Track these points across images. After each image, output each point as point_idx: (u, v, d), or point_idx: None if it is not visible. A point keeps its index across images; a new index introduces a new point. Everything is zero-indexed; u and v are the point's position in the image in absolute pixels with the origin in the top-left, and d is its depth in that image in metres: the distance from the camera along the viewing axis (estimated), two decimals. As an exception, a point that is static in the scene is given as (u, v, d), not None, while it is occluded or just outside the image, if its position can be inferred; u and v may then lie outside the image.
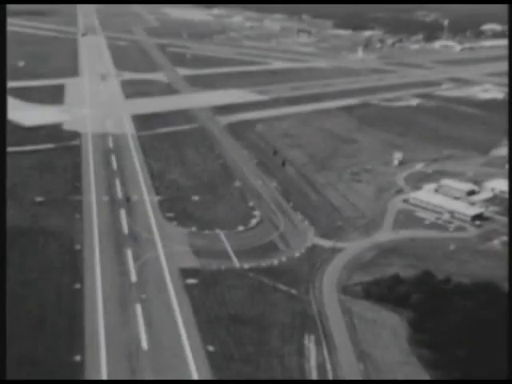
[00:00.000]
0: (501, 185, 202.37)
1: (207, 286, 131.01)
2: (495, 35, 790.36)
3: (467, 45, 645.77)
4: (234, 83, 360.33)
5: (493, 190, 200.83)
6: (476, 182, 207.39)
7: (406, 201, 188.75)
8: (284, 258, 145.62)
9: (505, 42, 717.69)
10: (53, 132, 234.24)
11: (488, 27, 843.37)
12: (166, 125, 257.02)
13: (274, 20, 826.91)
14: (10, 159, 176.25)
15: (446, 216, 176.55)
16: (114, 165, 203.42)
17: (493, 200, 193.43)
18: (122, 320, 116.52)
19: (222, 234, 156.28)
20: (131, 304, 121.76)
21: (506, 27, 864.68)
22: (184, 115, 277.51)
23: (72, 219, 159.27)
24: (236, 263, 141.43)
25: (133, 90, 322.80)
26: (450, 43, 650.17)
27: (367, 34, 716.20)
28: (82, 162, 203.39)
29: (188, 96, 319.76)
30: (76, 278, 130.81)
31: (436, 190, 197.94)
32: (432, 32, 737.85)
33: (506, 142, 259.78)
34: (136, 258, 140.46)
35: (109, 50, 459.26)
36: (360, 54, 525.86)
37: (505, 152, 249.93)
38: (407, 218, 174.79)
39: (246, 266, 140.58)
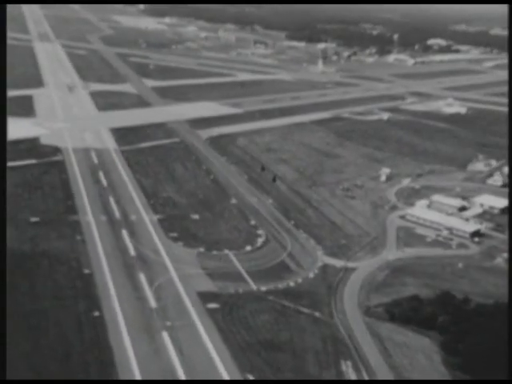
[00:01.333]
0: (489, 200, 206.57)
1: (230, 310, 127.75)
2: (441, 50, 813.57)
3: (419, 59, 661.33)
4: (205, 95, 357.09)
5: (482, 205, 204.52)
6: (464, 198, 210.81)
7: (402, 217, 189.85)
8: (299, 279, 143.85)
9: (452, 56, 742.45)
10: (31, 147, 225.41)
11: (433, 42, 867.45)
12: (146, 139, 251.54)
13: (226, 30, 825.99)
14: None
15: (445, 233, 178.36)
16: (104, 182, 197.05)
17: (483, 216, 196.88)
18: (151, 349, 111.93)
19: (231, 255, 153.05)
20: (157, 332, 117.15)
21: (450, 42, 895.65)
22: (162, 129, 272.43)
23: (74, 241, 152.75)
24: (253, 286, 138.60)
25: (104, 102, 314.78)
26: (402, 57, 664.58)
27: (321, 46, 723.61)
28: (69, 179, 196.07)
29: (161, 109, 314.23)
30: (93, 304, 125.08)
31: (428, 206, 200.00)
32: (383, 45, 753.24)
33: (481, 156, 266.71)
34: (150, 282, 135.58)
35: (69, 59, 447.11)
36: (320, 66, 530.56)
37: (481, 167, 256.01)
38: (408, 236, 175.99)
39: (263, 288, 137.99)
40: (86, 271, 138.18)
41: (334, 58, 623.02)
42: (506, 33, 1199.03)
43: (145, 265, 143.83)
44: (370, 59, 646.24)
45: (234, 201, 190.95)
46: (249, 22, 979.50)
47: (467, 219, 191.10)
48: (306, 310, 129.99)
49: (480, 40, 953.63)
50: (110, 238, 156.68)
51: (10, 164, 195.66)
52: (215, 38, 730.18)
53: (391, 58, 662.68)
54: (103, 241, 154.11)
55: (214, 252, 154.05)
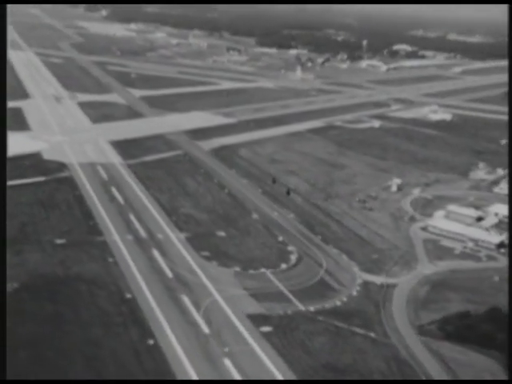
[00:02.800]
0: (502, 210, 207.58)
1: (284, 333, 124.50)
2: (407, 55, 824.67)
3: (392, 65, 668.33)
4: (194, 105, 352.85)
5: (496, 215, 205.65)
6: (477, 207, 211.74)
7: (424, 229, 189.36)
8: (344, 298, 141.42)
9: (420, 62, 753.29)
10: (35, 162, 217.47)
11: (399, 47, 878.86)
12: (149, 152, 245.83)
13: (196, 37, 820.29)
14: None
15: (470, 244, 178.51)
16: (119, 198, 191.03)
17: (500, 225, 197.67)
18: (217, 377, 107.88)
19: (268, 274, 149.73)
20: (218, 359, 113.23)
21: (415, 48, 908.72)
22: (162, 141, 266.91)
23: (106, 263, 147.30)
24: (300, 306, 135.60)
25: (96, 113, 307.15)
26: (375, 63, 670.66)
27: (293, 52, 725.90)
28: (83, 197, 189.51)
29: (155, 119, 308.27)
30: (145, 332, 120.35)
31: (446, 217, 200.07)
32: (352, 51, 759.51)
33: (481, 164, 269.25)
34: (196, 305, 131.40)
35: (46, 69, 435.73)
36: (299, 73, 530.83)
37: (483, 175, 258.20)
38: (436, 248, 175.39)
39: (311, 308, 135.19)
40: (128, 296, 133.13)
41: (309, 64, 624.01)
42: (461, 38, 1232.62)
43: (185, 287, 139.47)
44: (344, 65, 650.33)
45: (255, 216, 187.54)
46: (215, 27, 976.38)
47: (487, 229, 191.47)
48: (360, 331, 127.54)
49: (440, 45, 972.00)
50: (142, 258, 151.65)
51: (19, 182, 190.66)
52: (187, 44, 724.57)
53: (364, 63, 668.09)
54: (136, 262, 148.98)
55: (251, 271, 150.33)
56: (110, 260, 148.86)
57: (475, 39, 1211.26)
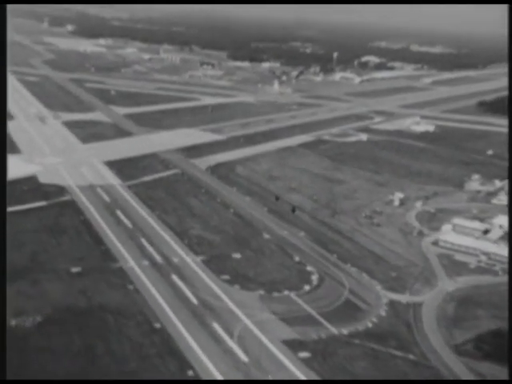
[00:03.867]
0: (506, 221, 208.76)
1: (323, 359, 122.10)
2: (376, 67, 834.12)
3: (364, 77, 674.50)
4: (180, 122, 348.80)
5: (501, 227, 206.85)
6: (481, 220, 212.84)
7: (435, 244, 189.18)
8: (374, 319, 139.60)
9: (391, 73, 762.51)
10: (33, 187, 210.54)
11: (368, 59, 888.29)
12: (146, 172, 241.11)
13: (166, 51, 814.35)
14: (9, 222, 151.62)
15: (483, 258, 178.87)
16: (126, 222, 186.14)
17: (506, 238, 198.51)
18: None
19: (293, 296, 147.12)
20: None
21: (383, 59, 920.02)
22: (156, 159, 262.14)
23: (127, 291, 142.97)
24: (332, 329, 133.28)
25: (83, 132, 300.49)
26: (348, 75, 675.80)
27: (265, 65, 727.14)
28: (89, 221, 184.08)
29: (145, 138, 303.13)
30: (182, 363, 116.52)
31: (453, 230, 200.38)
32: (323, 64, 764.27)
33: (476, 176, 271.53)
34: (229, 333, 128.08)
35: (24, 87, 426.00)
36: (276, 87, 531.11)
37: (477, 186, 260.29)
38: (451, 263, 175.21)
39: (345, 331, 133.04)
40: (157, 325, 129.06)
41: (284, 77, 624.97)
42: (423, 49, 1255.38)
43: (213, 313, 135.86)
44: (318, 78, 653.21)
45: (266, 236, 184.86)
46: (184, 41, 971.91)
47: (495, 242, 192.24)
48: (398, 353, 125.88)
49: (405, 56, 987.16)
50: (162, 285, 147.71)
51: (20, 207, 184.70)
52: (159, 59, 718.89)
53: (337, 76, 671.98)
54: (158, 289, 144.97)
55: (275, 294, 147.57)
56: (131, 287, 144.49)
57: (437, 50, 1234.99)
